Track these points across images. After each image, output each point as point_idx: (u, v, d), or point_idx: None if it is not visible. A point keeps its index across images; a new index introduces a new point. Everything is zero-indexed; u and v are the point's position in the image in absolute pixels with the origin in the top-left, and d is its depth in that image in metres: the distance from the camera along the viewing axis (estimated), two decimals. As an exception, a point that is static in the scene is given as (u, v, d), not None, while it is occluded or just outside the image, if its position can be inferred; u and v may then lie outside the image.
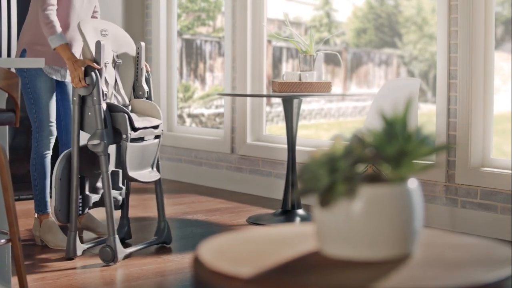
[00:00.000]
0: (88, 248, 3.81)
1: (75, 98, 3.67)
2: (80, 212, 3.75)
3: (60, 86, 4.06)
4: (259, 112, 5.72)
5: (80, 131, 3.70)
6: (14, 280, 3.15)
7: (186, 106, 6.53)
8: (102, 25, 3.79)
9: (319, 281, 1.16)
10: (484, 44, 4.28)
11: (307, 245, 1.36)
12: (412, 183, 1.29)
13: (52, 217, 4.01)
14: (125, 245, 4.00)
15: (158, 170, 3.89)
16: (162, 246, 3.97)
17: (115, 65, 3.82)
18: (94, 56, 3.66)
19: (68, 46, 3.76)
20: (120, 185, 4.02)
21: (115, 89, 3.81)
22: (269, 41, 5.83)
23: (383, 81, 5.44)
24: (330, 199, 1.25)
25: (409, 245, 1.29)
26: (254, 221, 4.60)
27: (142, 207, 5.01)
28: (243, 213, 4.89)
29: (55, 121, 3.97)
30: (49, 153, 3.97)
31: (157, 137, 3.86)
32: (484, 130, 4.32)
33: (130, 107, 3.88)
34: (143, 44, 3.90)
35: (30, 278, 3.37)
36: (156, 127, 3.84)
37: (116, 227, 4.22)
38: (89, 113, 3.65)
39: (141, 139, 3.75)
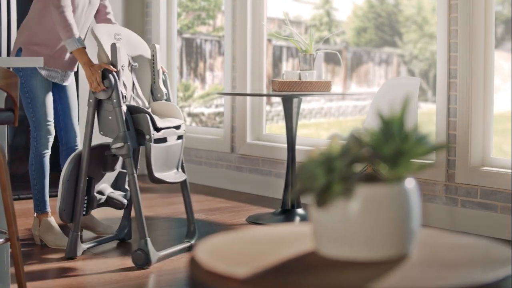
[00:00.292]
0: (88, 248, 3.80)
1: (91, 101, 3.64)
2: (84, 213, 3.74)
3: (57, 86, 4.05)
4: (259, 111, 5.72)
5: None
6: (13, 280, 3.15)
7: (186, 105, 6.52)
8: (114, 29, 3.76)
9: (315, 281, 1.16)
10: (484, 43, 4.27)
11: (304, 245, 1.36)
12: (409, 183, 1.29)
13: (51, 216, 4.01)
14: (125, 245, 4.00)
15: (183, 171, 3.85)
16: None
17: (132, 68, 3.78)
18: (110, 59, 3.63)
19: (85, 50, 3.71)
20: (126, 186, 4.00)
21: (134, 92, 3.77)
22: (269, 40, 5.83)
23: (383, 80, 5.43)
24: (326, 199, 1.24)
25: (406, 245, 1.28)
26: (254, 221, 4.59)
27: (142, 206, 5.00)
28: (243, 212, 4.88)
29: (53, 120, 3.96)
30: (48, 153, 3.96)
31: (179, 137, 3.80)
32: (484, 130, 4.32)
33: (149, 110, 3.83)
34: (157, 46, 3.87)
35: (29, 278, 3.36)
36: (178, 127, 3.78)
37: (118, 227, 4.21)
38: (110, 117, 3.60)
39: (164, 139, 3.70)
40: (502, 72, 4.45)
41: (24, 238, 4.09)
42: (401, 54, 5.34)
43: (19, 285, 2.70)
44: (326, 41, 5.19)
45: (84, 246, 3.76)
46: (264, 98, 5.71)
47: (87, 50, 3.77)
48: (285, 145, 4.77)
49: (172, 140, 3.74)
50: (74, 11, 3.87)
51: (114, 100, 3.57)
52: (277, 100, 5.85)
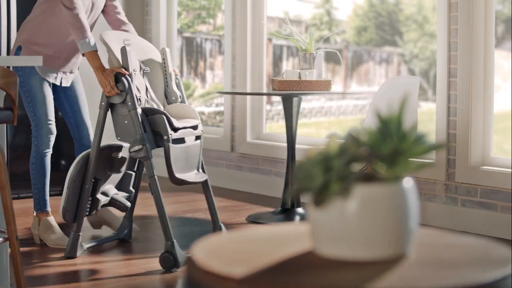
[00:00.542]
0: (88, 248, 3.79)
1: (103, 103, 3.62)
2: (87, 213, 3.73)
3: (61, 84, 4.03)
4: (259, 111, 5.71)
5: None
6: (12, 279, 3.14)
7: (186, 104, 6.52)
8: (123, 35, 3.75)
9: (313, 281, 1.15)
10: (484, 42, 4.27)
11: (302, 244, 1.35)
12: (408, 182, 1.28)
13: (51, 215, 4.00)
14: (125, 245, 4.00)
15: (203, 172, 3.81)
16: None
17: (144, 73, 3.77)
18: (121, 63, 3.61)
19: (97, 54, 3.69)
20: (131, 188, 3.99)
21: (148, 96, 3.74)
22: (270, 39, 5.82)
23: (384, 79, 5.43)
24: (324, 198, 1.24)
25: (404, 245, 1.27)
26: (254, 220, 4.59)
27: (143, 206, 5.00)
28: (243, 211, 4.88)
29: (54, 120, 3.95)
30: (49, 152, 3.96)
31: (197, 138, 3.77)
32: (484, 129, 4.31)
33: None
34: (167, 49, 3.86)
35: (28, 277, 3.36)
36: (195, 127, 3.75)
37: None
38: (126, 121, 3.56)
39: (182, 140, 3.66)
40: (502, 71, 4.44)
41: (23, 238, 4.09)
42: (401, 53, 5.34)
43: (18, 284, 2.70)
44: (327, 40, 5.18)
45: (84, 245, 3.76)
46: (264, 97, 5.71)
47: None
48: (285, 144, 4.77)
49: (190, 141, 3.70)
50: None
51: (129, 103, 3.54)
52: (277, 99, 5.85)
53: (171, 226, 3.53)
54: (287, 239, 1.40)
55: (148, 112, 3.59)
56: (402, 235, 1.26)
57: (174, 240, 3.49)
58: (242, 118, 5.70)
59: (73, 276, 3.43)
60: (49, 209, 4.00)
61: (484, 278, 1.17)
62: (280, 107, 5.85)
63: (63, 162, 5.36)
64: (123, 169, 3.89)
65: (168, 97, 3.85)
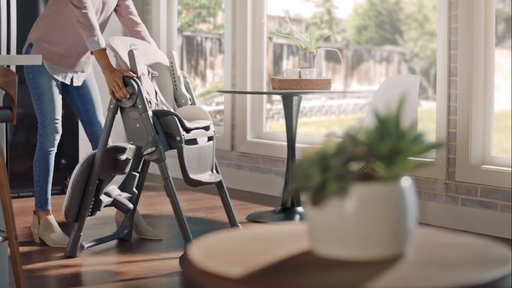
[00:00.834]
0: (88, 247, 3.79)
1: (111, 106, 3.61)
2: (89, 214, 3.73)
3: (72, 83, 4.02)
4: (259, 109, 5.71)
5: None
6: (11, 278, 3.14)
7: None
8: (129, 40, 3.74)
9: (310, 281, 1.15)
10: (485, 41, 4.26)
11: (299, 244, 1.35)
12: (406, 182, 1.28)
13: (51, 214, 4.00)
14: (126, 244, 3.99)
15: (217, 173, 3.79)
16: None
17: (152, 76, 3.75)
18: (129, 66, 3.60)
19: (105, 53, 3.67)
20: (134, 189, 3.98)
21: (158, 100, 3.73)
22: (270, 38, 5.82)
23: (384, 78, 5.42)
24: (322, 198, 1.24)
25: (402, 244, 1.27)
26: (254, 219, 4.59)
27: (143, 205, 5.00)
28: (243, 210, 4.87)
29: (60, 119, 3.95)
30: (53, 150, 3.95)
31: (210, 139, 3.74)
32: (484, 128, 4.30)
33: None
34: (174, 53, 3.85)
35: (27, 277, 3.35)
36: (207, 128, 3.73)
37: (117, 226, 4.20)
38: (137, 125, 3.54)
39: (195, 141, 3.63)
40: (502, 70, 4.43)
41: (23, 237, 4.08)
42: (402, 52, 5.33)
43: (17, 283, 2.69)
44: (327, 39, 5.18)
45: (85, 245, 3.75)
46: (265, 96, 5.70)
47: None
48: (286, 143, 4.77)
49: (202, 142, 3.67)
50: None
51: (140, 106, 3.52)
52: (277, 98, 5.84)
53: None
54: (285, 238, 1.39)
55: (159, 114, 3.56)
56: (400, 234, 1.26)
57: (193, 241, 3.48)
58: (242, 117, 5.70)
59: (73, 276, 3.42)
60: (50, 207, 4.00)
61: (483, 278, 1.16)
62: (280, 106, 5.85)
63: (63, 161, 5.36)
64: (127, 170, 3.88)
65: (178, 100, 3.84)
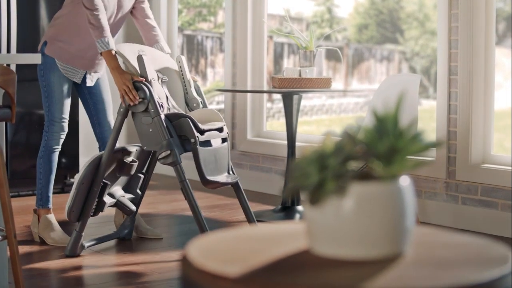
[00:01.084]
0: (88, 247, 3.78)
1: (121, 110, 3.59)
2: (92, 215, 3.72)
3: (85, 82, 4.02)
4: (259, 108, 5.71)
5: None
6: (10, 277, 3.14)
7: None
8: (137, 47, 3.74)
9: (308, 280, 1.14)
10: (485, 40, 4.25)
11: (298, 243, 1.34)
12: (404, 181, 1.27)
13: (51, 213, 4.00)
14: (126, 243, 3.99)
15: (233, 174, 3.78)
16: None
17: (162, 81, 3.75)
18: (139, 71, 3.59)
19: (115, 54, 3.66)
20: (138, 190, 3.97)
21: (169, 104, 3.72)
22: (270, 37, 5.82)
23: (385, 77, 5.42)
24: (320, 197, 1.23)
25: (401, 244, 1.26)
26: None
27: (144, 204, 4.99)
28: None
29: (67, 118, 3.95)
30: (58, 149, 3.95)
31: (224, 140, 3.73)
32: (484, 127, 4.30)
33: None
34: (183, 57, 3.85)
35: (27, 276, 3.35)
36: (220, 130, 3.72)
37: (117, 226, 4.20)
38: (150, 130, 3.53)
39: (209, 143, 3.62)
40: (503, 69, 4.43)
41: (23, 236, 4.08)
42: (402, 51, 5.33)
43: (17, 282, 2.69)
44: (327, 38, 5.17)
45: (85, 244, 3.74)
46: (265, 95, 5.70)
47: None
48: (286, 142, 4.76)
49: (217, 144, 3.67)
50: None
51: (152, 110, 3.50)
52: (278, 96, 5.84)
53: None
54: (283, 237, 1.39)
55: (172, 118, 3.55)
56: (398, 234, 1.25)
57: None
58: (243, 116, 5.70)
59: (73, 275, 3.42)
60: (51, 206, 4.00)
61: (482, 278, 1.16)
62: (280, 104, 5.84)
63: (63, 160, 5.36)
64: (133, 172, 3.87)
65: (189, 104, 3.83)
